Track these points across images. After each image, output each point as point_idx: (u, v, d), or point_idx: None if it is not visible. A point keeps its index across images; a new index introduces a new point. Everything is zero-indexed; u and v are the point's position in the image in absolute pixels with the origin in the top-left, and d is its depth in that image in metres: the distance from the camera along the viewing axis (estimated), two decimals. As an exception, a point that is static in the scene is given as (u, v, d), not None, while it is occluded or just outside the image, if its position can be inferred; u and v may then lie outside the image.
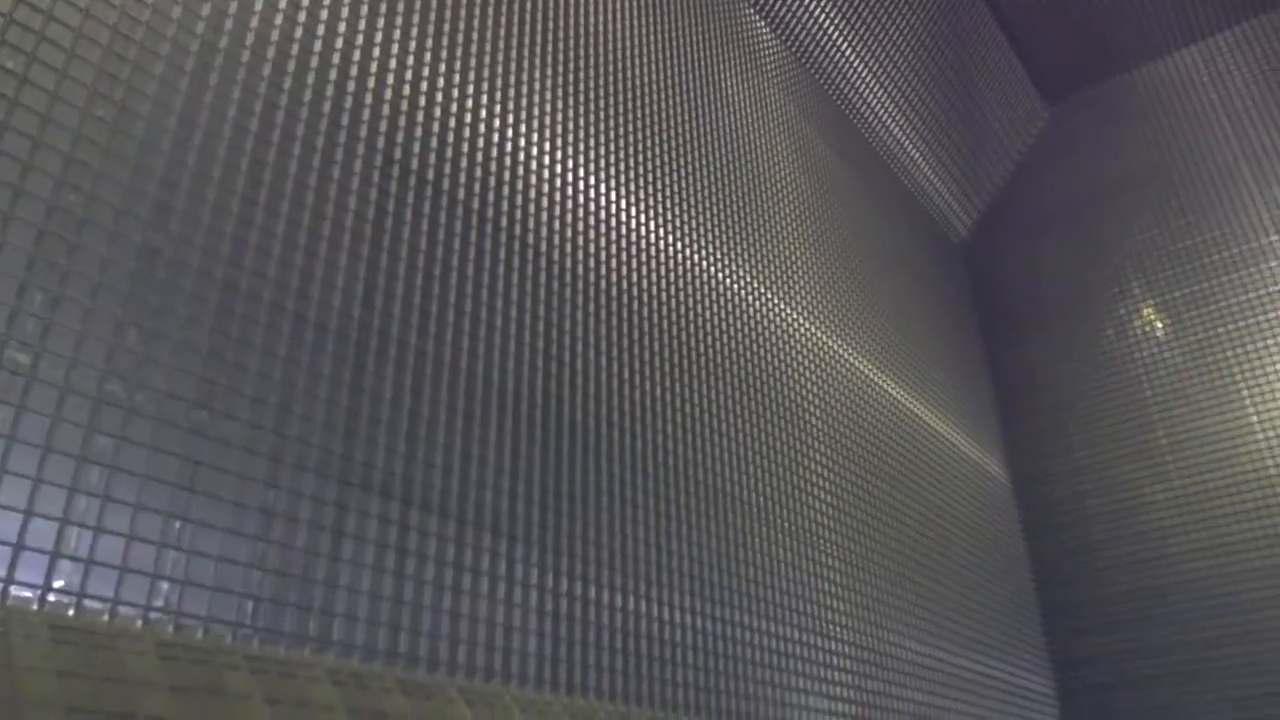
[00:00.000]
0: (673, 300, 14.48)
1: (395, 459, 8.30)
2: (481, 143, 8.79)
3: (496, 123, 8.81)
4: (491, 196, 8.87)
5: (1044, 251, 31.15)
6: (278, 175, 4.90)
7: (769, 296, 17.14)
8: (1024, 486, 28.72)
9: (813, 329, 19.19)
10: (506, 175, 9.40)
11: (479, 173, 8.49)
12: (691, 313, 14.99)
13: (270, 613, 4.82)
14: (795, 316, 18.76)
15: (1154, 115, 28.58)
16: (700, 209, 16.25)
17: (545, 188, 10.11)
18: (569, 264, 11.28)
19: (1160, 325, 28.21)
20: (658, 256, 14.07)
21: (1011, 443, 29.03)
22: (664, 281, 14.23)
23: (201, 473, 3.69)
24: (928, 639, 19.28)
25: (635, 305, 13.25)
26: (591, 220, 12.42)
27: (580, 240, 11.47)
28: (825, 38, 18.11)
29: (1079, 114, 30.14)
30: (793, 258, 18.76)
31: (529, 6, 9.92)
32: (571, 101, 11.07)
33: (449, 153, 7.75)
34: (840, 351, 19.96)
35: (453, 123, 7.97)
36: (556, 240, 11.15)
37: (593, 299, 11.95)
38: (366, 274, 6.76)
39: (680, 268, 14.79)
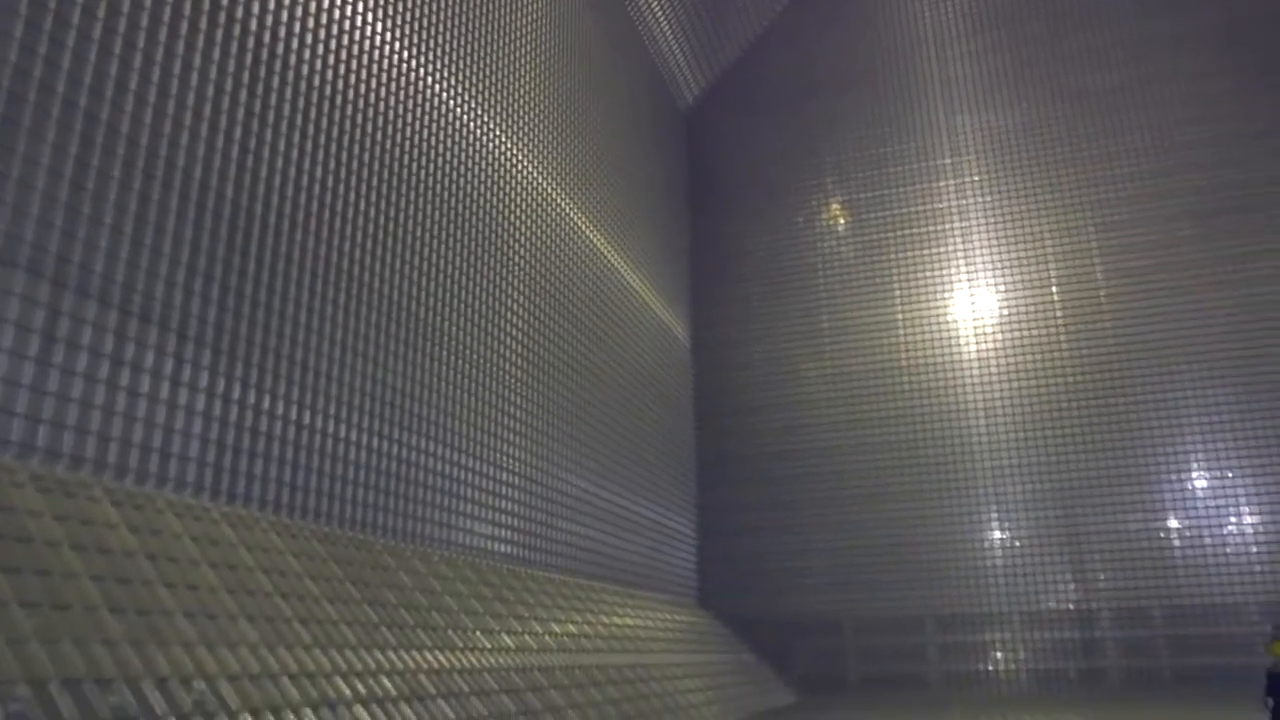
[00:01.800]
0: (396, 117, 13.65)
1: (50, 233, 7.47)
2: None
3: None
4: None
5: (758, 133, 32.46)
6: None
7: (494, 131, 16.62)
8: (701, 349, 30.78)
9: (532, 170, 18.92)
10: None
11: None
12: (413, 132, 14.21)
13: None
14: (517, 155, 18.37)
15: (873, 26, 30.21)
16: (439, 30, 15.28)
17: (262, -41, 9.04)
18: (279, 49, 10.23)
19: (843, 221, 30.71)
20: (385, 68, 13.09)
21: (697, 307, 30.80)
22: (389, 97, 13.33)
23: None
24: (594, 478, 20.47)
25: (353, 113, 12.36)
26: (310, 9, 11.28)
27: (295, 28, 10.39)
28: None
29: (812, 8, 31.19)
30: (525, 99, 18.23)
31: None
32: None
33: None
34: (554, 196, 19.91)
35: None
36: (269, 22, 10.05)
37: (303, 94, 10.96)
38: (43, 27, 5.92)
39: (409, 85, 13.90)
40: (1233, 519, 24.73)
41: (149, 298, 9.17)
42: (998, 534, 26.11)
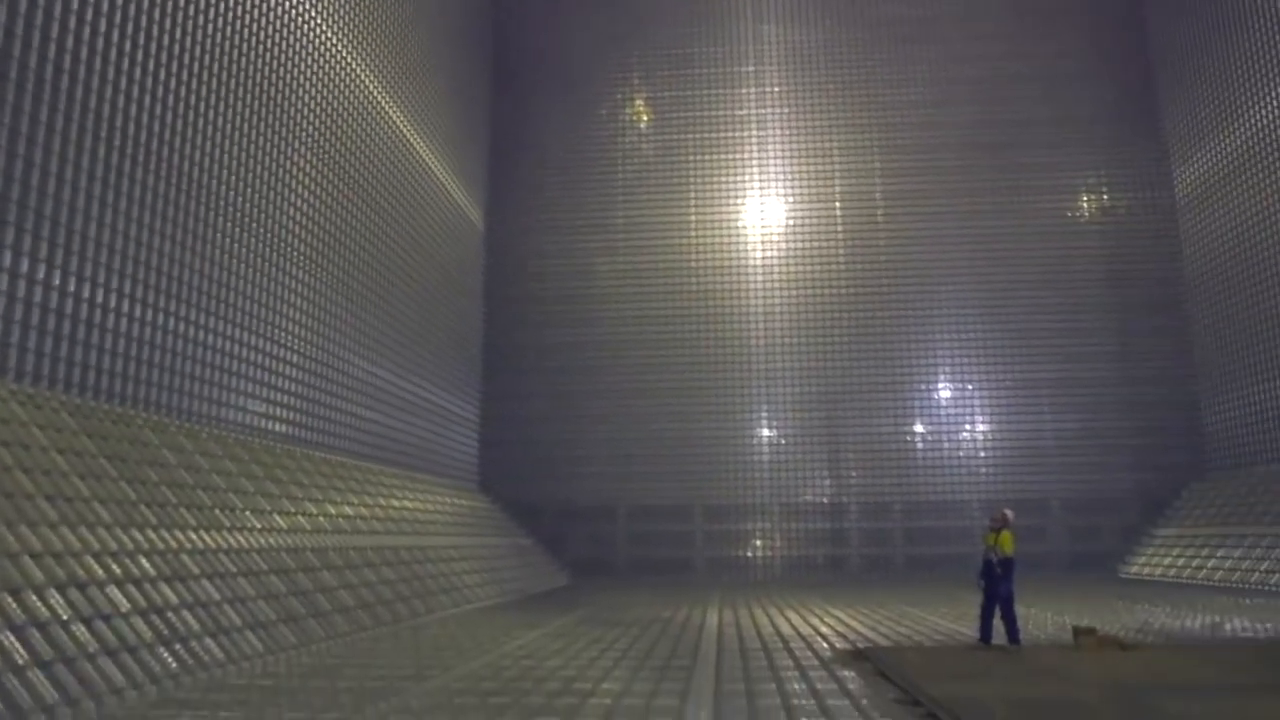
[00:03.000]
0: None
1: None
2: None
3: None
4: None
5: (567, 21, 31.69)
6: None
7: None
8: (495, 236, 30.39)
9: (327, 33, 17.66)
10: None
11: None
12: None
13: None
14: (309, 13, 17.02)
15: (692, -82, 29.19)
16: None
17: None
18: None
19: (645, 118, 30.81)
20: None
21: (494, 193, 30.23)
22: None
23: None
24: (378, 359, 20.02)
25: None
26: None
27: None
28: None
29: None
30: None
31: None
32: None
33: None
34: (349, 62, 18.74)
35: None
36: None
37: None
38: None
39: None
40: (967, 426, 27.57)
41: None
42: (766, 432, 27.84)
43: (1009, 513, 11.15)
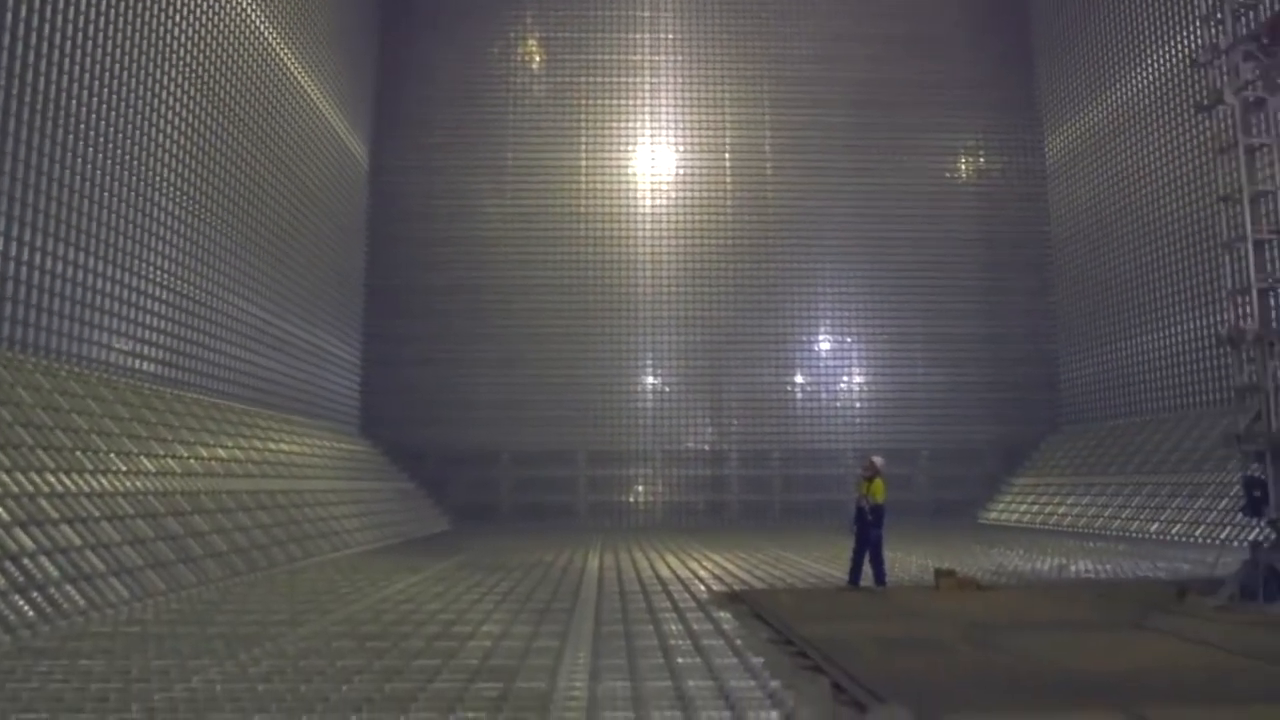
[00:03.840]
0: None
1: None
2: None
3: None
4: None
5: (461, -48, 30.07)
6: None
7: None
8: (381, 173, 29.46)
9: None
10: None
11: None
12: None
13: None
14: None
15: None
16: None
17: None
18: None
19: (538, 59, 30.20)
20: None
21: (380, 129, 29.25)
22: None
23: None
24: (255, 297, 19.30)
25: None
26: None
27: None
28: None
29: None
30: None
31: None
32: None
33: None
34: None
35: None
36: None
37: None
38: None
39: None
40: (844, 377, 28.49)
41: None
42: (651, 379, 28.14)
43: (879, 461, 11.62)
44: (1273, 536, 9.74)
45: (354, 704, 5.36)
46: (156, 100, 15.09)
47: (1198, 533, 17.79)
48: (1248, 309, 10.18)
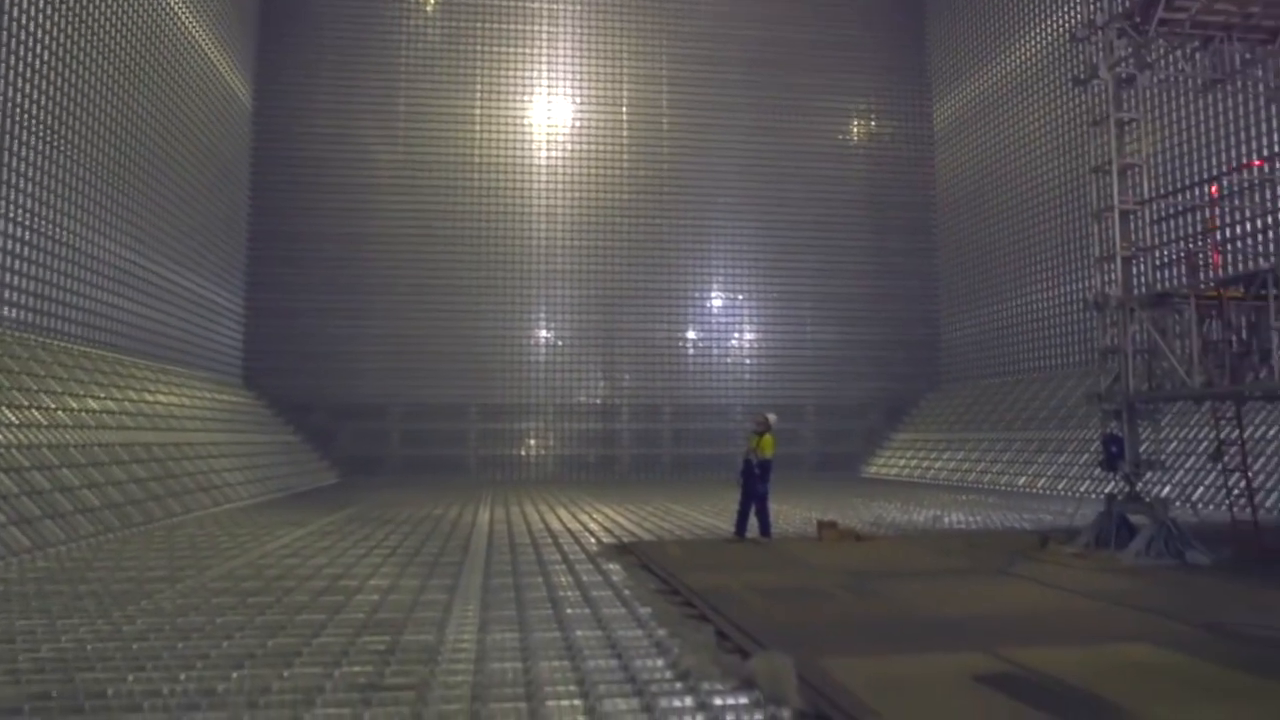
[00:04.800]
0: None
1: None
2: None
3: None
4: None
5: (349, -119, 28.93)
6: None
7: None
8: (266, 115, 28.34)
9: None
10: None
11: None
12: None
13: None
14: None
15: None
16: None
17: None
18: None
19: (432, 2, 29.33)
20: None
21: (264, 69, 28.04)
22: None
23: None
24: (130, 242, 18.39)
25: None
26: None
27: None
28: None
29: None
30: None
31: None
32: None
33: None
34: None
35: None
36: None
37: None
38: None
39: None
40: (735, 334, 28.96)
41: None
42: (543, 332, 28.02)
43: (773, 418, 11.90)
44: (1125, 489, 10.45)
45: (235, 660, 5.26)
46: (19, 28, 14.07)
47: (1060, 486, 18.91)
48: (1113, 275, 10.78)
